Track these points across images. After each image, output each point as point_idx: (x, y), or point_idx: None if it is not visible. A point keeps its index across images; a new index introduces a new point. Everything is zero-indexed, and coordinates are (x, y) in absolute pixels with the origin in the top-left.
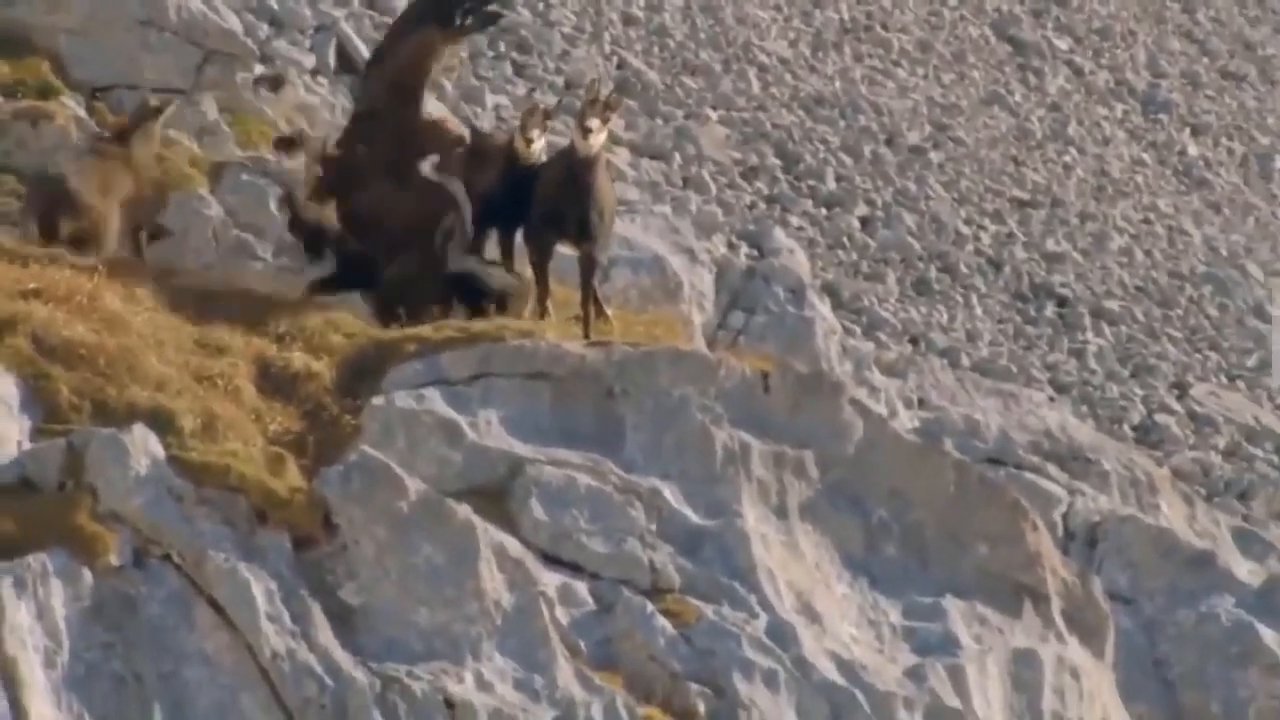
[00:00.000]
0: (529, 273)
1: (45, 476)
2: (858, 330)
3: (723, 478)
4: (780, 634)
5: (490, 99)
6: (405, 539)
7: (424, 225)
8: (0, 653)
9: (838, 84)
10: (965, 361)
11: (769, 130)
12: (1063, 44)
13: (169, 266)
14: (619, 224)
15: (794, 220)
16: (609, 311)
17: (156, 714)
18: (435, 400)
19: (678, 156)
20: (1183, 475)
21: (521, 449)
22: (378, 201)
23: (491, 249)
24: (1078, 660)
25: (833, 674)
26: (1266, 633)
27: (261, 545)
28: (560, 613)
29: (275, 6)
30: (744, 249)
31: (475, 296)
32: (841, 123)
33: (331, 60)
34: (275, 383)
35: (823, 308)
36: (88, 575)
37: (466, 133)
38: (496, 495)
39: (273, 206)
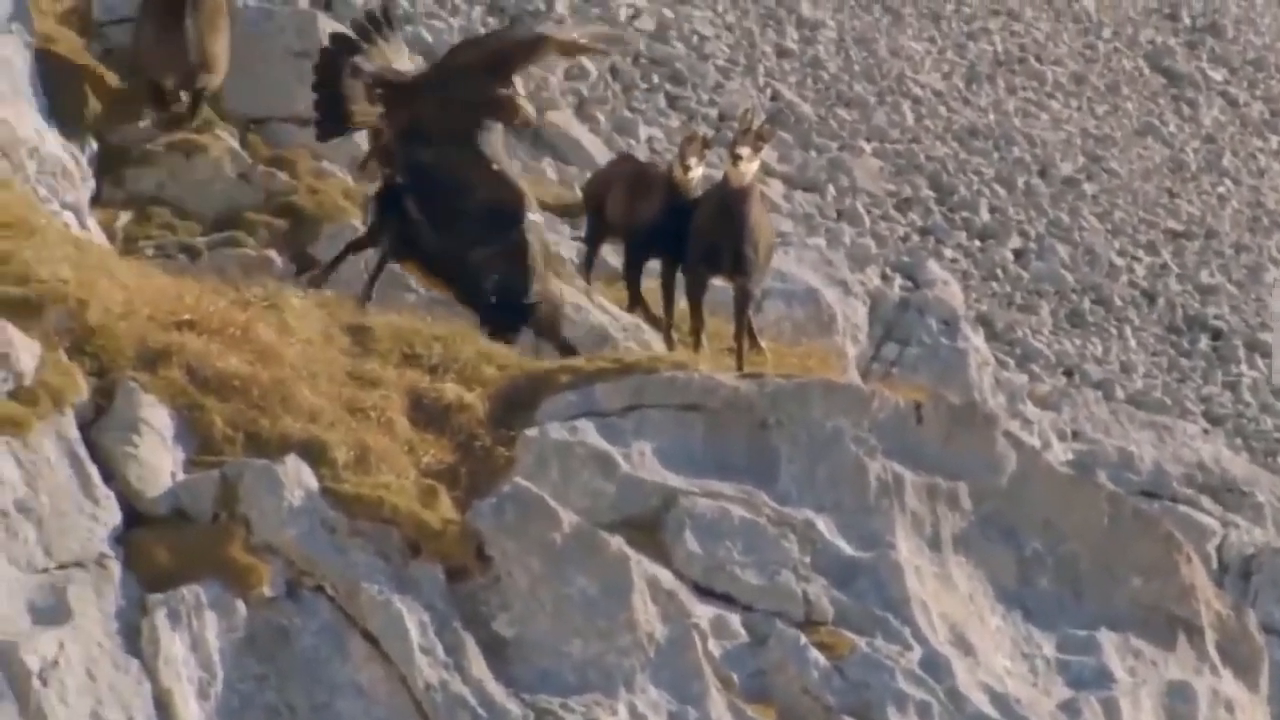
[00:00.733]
0: (683, 303)
1: (199, 508)
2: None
3: (876, 509)
4: (934, 666)
5: (644, 131)
6: (558, 571)
7: (507, 217)
8: (155, 684)
9: (991, 116)
10: (1119, 394)
11: (923, 162)
12: (1217, 75)
13: (322, 298)
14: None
15: (948, 252)
16: (763, 344)
17: None
18: (589, 432)
19: (831, 189)
20: None
21: (675, 481)
22: (449, 169)
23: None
24: (1232, 694)
25: (986, 707)
26: None
27: (415, 577)
28: (713, 645)
29: (429, 40)
30: (898, 281)
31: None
32: (995, 154)
33: None
34: (428, 414)
35: (976, 339)
36: (241, 607)
37: (534, 115)
38: (650, 527)
39: None
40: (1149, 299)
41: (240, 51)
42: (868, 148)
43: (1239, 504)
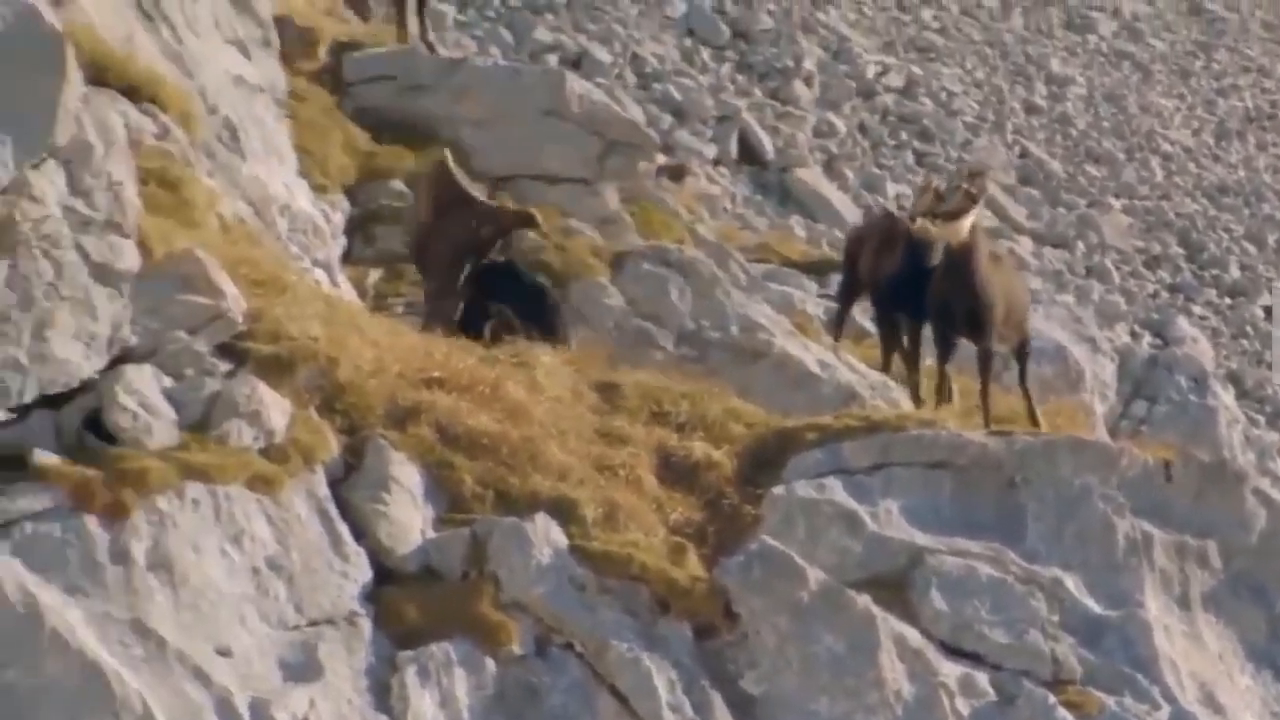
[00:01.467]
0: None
1: (449, 565)
2: (1261, 419)
3: (1125, 567)
4: None
5: (891, 188)
6: (805, 628)
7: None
8: None
9: (1241, 172)
10: None
11: (1172, 219)
12: None
13: (570, 355)
14: None
15: (1197, 309)
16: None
17: None
18: (836, 489)
19: (1080, 245)
20: None
21: (922, 538)
22: None
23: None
24: None
25: None
26: None
27: (663, 634)
28: (961, 703)
29: (678, 97)
30: (1147, 338)
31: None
32: (1245, 211)
33: (733, 150)
34: (676, 472)
35: (1226, 396)
36: (490, 664)
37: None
38: (897, 585)
39: (674, 296)
40: None
41: (489, 110)
42: (1117, 204)
43: None
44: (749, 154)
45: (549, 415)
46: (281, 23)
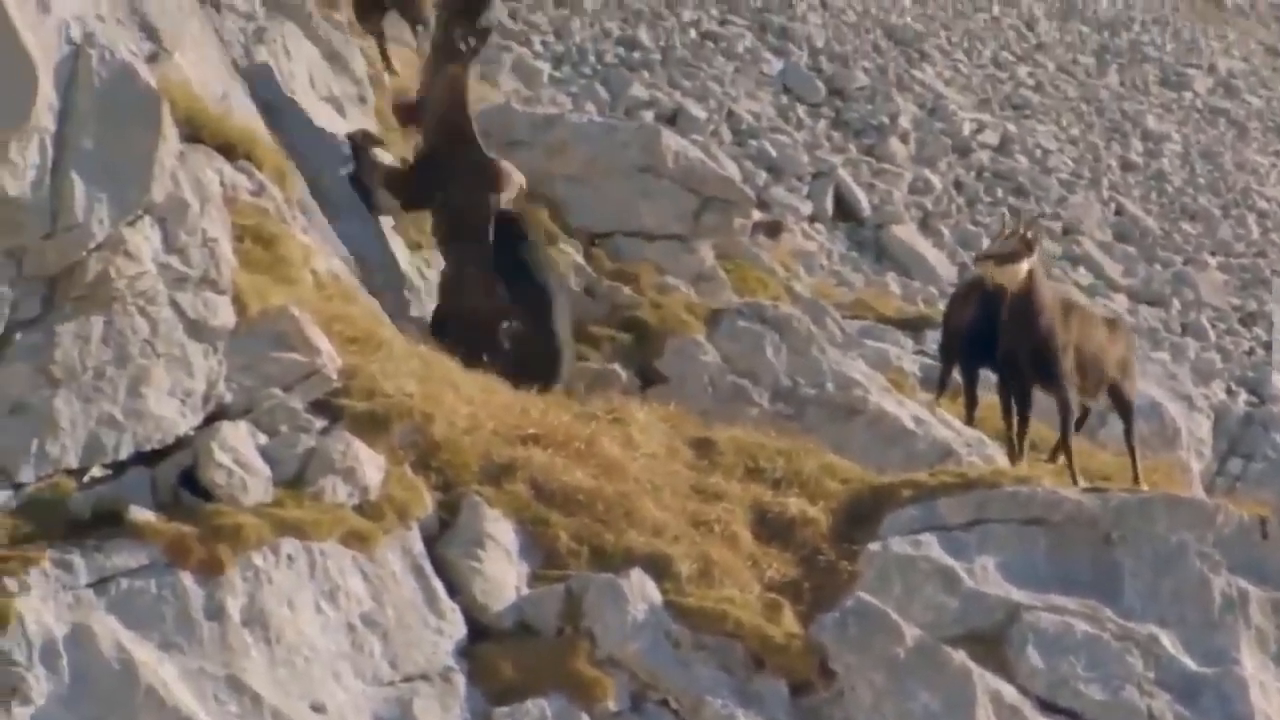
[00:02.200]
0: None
1: (544, 621)
2: None
3: (1221, 625)
4: None
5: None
6: (902, 685)
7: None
8: None
9: None
10: None
11: (1268, 276)
12: None
13: (665, 411)
14: None
15: None
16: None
17: None
18: (932, 546)
19: (1176, 302)
20: None
21: (1018, 595)
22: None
23: None
24: None
25: None
26: None
27: (759, 691)
28: None
29: (773, 153)
30: (1243, 395)
31: None
32: None
33: (829, 206)
34: (771, 528)
35: None
36: None
37: (523, 180)
38: (993, 641)
39: (769, 352)
40: None
41: (584, 166)
42: (1212, 261)
43: None
44: (844, 210)
45: (644, 471)
46: (376, 80)
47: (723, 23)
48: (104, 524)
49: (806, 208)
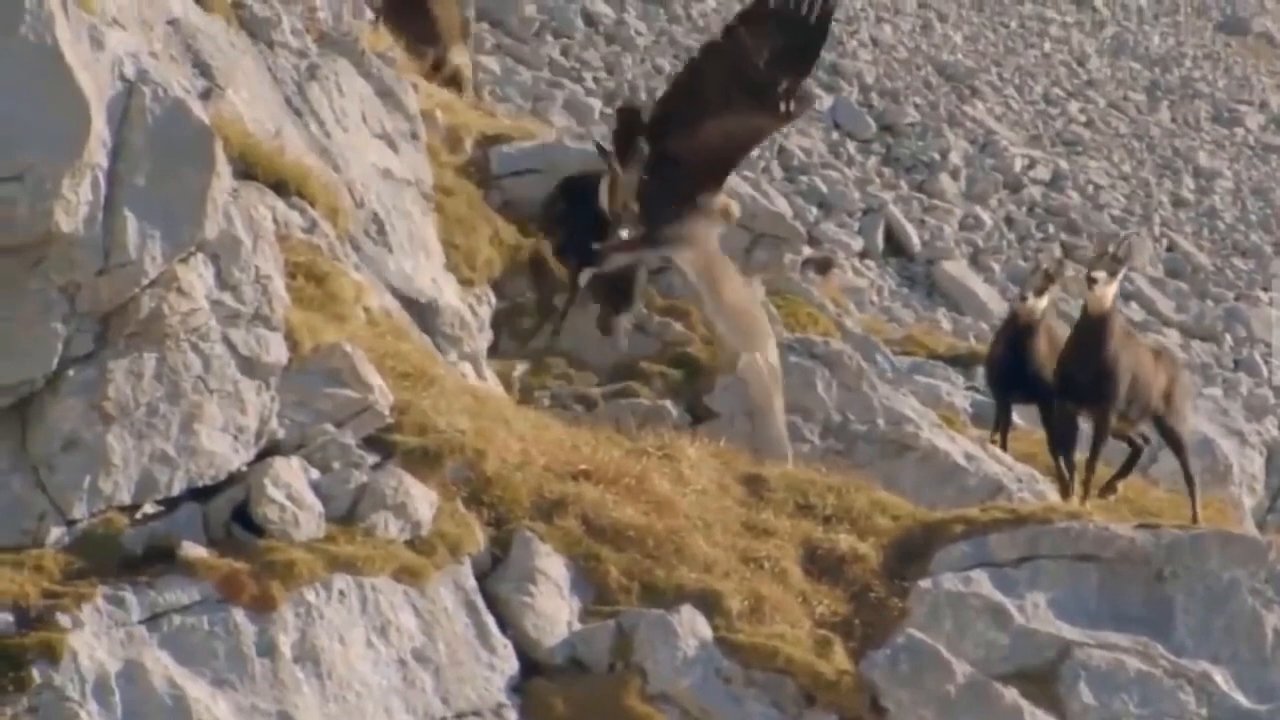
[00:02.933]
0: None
1: (595, 657)
2: None
3: (1274, 661)
4: None
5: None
6: None
7: None
8: None
9: None
10: None
11: None
12: None
13: (716, 448)
14: None
15: None
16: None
17: None
18: (983, 582)
19: (1228, 338)
20: None
21: (1069, 632)
22: None
23: None
24: None
25: None
26: None
27: None
28: None
29: (824, 190)
30: None
31: None
32: None
33: (879, 242)
34: (822, 565)
35: None
36: None
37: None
38: (1044, 678)
39: (820, 388)
40: None
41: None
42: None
43: None
44: (895, 246)
45: (695, 507)
46: (429, 117)
47: None
48: (156, 560)
49: (857, 244)
